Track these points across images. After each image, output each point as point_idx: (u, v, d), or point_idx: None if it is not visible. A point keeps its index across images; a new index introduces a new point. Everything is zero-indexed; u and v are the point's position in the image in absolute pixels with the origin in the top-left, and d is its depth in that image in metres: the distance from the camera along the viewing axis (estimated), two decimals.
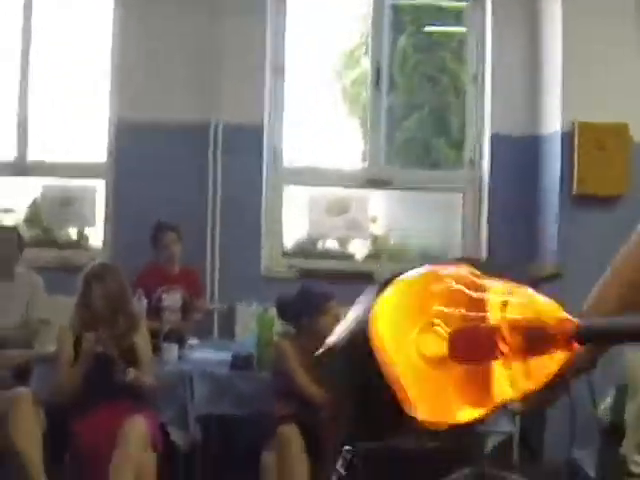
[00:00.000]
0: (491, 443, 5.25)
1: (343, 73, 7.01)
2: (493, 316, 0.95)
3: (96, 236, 6.60)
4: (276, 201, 6.44)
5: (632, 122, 5.75)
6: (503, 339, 0.94)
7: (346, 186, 6.58)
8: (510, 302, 0.96)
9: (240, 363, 5.23)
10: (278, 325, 5.33)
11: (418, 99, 6.84)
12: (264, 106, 6.26)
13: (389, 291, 0.99)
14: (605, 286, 1.57)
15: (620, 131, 5.73)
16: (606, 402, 5.30)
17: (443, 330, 0.95)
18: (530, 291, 0.98)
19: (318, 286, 5.13)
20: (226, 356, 5.31)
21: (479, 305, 0.96)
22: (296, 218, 6.62)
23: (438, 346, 0.96)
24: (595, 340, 0.98)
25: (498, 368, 0.95)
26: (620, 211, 5.88)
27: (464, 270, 1.00)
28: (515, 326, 0.94)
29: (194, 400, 5.07)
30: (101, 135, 6.47)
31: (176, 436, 5.01)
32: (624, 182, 5.81)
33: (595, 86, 5.73)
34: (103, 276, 4.96)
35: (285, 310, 5.08)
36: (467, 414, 0.98)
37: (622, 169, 5.78)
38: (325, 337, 4.56)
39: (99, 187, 6.53)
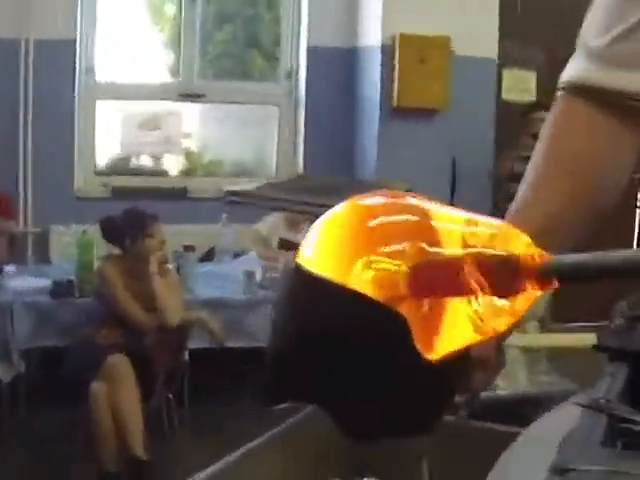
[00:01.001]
0: None
1: None
2: (453, 249, 0.85)
3: None
4: (89, 118, 6.16)
5: (454, 35, 5.86)
6: (471, 274, 0.84)
7: (160, 99, 6.40)
8: (472, 232, 0.87)
9: (60, 290, 5.03)
10: (98, 248, 5.15)
11: (230, 10, 6.67)
12: (76, 21, 5.94)
13: (318, 234, 0.89)
14: (537, 185, 1.25)
15: (442, 44, 5.82)
16: None
17: (394, 265, 0.84)
18: (491, 220, 0.89)
19: (143, 207, 4.99)
20: (45, 283, 5.09)
21: (431, 237, 0.85)
22: (109, 135, 6.37)
23: (383, 285, 0.84)
24: (573, 277, 0.87)
25: (461, 307, 0.85)
26: (439, 124, 6.04)
27: (398, 197, 0.90)
28: (483, 260, 0.85)
29: (15, 334, 4.86)
30: None
31: None
32: (444, 96, 5.93)
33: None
34: None
35: (109, 231, 4.91)
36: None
37: (443, 83, 5.89)
38: (149, 259, 4.38)
39: None
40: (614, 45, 1.14)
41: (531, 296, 0.86)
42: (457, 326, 0.86)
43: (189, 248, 5.53)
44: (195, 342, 5.11)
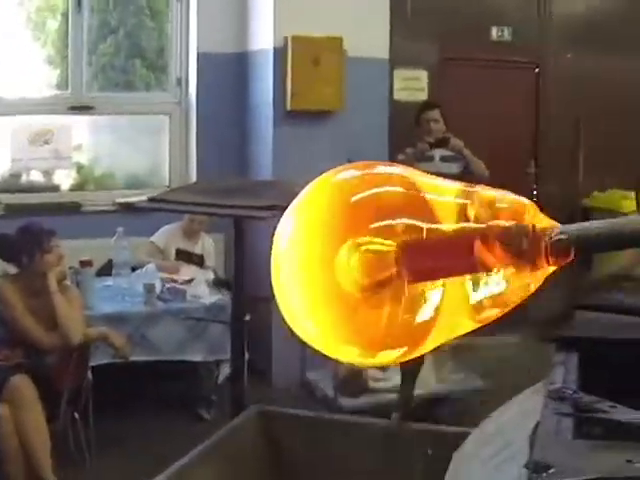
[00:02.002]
0: (225, 371, 5.36)
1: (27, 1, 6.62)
2: (456, 223, 0.80)
3: None
4: None
5: (346, 36, 5.93)
6: (484, 249, 0.78)
7: (49, 113, 6.32)
8: (473, 204, 0.81)
9: None
10: None
11: (113, 21, 6.62)
12: None
13: (293, 221, 0.80)
14: None
15: (334, 45, 5.89)
16: None
17: (386, 246, 0.76)
18: (491, 191, 0.84)
19: (39, 223, 4.91)
20: None
21: (425, 211, 0.79)
22: None
23: (373, 268, 0.77)
24: (590, 249, 0.83)
25: (465, 286, 0.79)
26: (334, 126, 6.10)
27: (376, 167, 0.82)
28: (495, 234, 0.79)
29: None
30: None
31: None
32: (338, 97, 5.99)
33: (307, 1, 5.85)
34: None
35: (4, 250, 4.83)
36: (406, 352, 0.81)
37: (337, 84, 5.95)
38: (48, 276, 4.26)
39: None
40: None
41: (547, 270, 0.81)
42: (457, 312, 0.80)
43: (86, 263, 5.46)
44: (97, 358, 5.06)
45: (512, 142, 7.44)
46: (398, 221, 0.77)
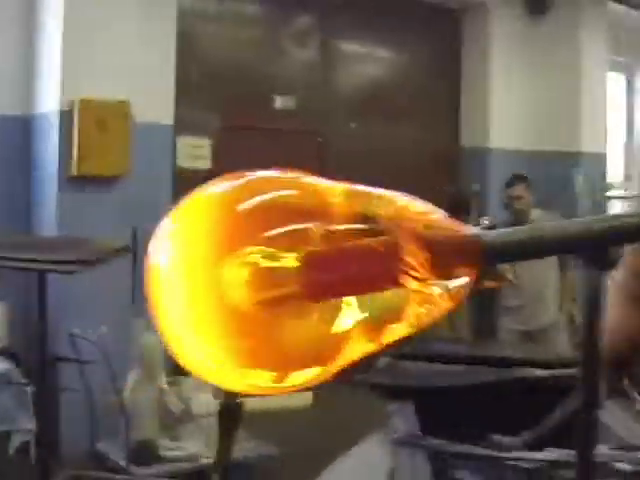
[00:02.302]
0: (15, 442, 5.12)
1: None
2: (370, 228, 0.72)
3: None
4: None
5: (133, 101, 5.87)
6: (409, 258, 0.69)
7: None
8: (387, 209, 0.74)
9: None
10: None
11: None
12: None
13: (173, 233, 0.75)
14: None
15: (122, 110, 5.81)
16: (129, 385, 5.42)
17: (284, 258, 0.68)
18: (404, 197, 0.78)
19: None
20: None
21: (330, 216, 0.71)
22: None
23: (269, 283, 0.69)
24: (507, 257, 0.79)
25: (392, 298, 0.71)
26: (120, 192, 6.00)
27: (270, 174, 0.75)
28: (417, 241, 0.71)
29: None
30: None
31: None
32: (125, 162, 5.90)
33: (97, 63, 5.76)
34: None
35: None
36: (310, 373, 0.72)
37: (123, 149, 5.87)
38: None
39: None
40: None
41: (470, 278, 0.74)
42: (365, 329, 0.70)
43: None
44: None
45: None
46: (295, 227, 0.69)
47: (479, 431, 1.60)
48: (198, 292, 0.70)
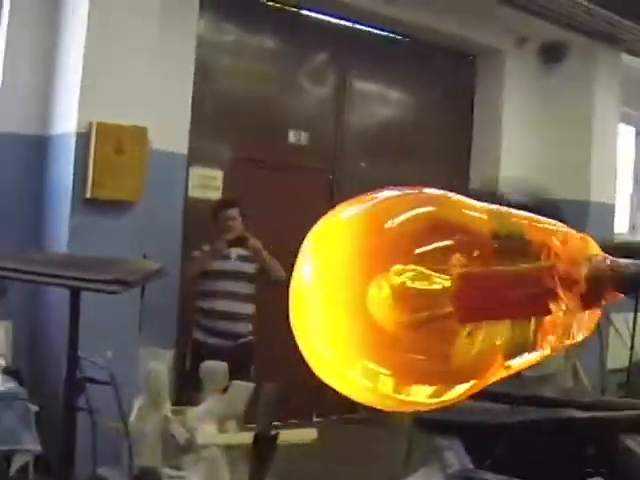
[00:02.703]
0: (17, 463, 5.08)
1: None
2: (524, 253, 0.71)
3: None
4: None
5: (150, 127, 5.90)
6: (562, 287, 0.68)
7: None
8: (543, 234, 0.73)
9: None
10: None
11: None
12: None
13: (316, 252, 0.70)
14: None
15: (139, 135, 5.83)
16: (134, 412, 5.40)
17: (436, 278, 0.66)
18: (546, 219, 0.76)
19: None
20: None
21: (472, 234, 0.70)
22: None
23: (419, 304, 0.67)
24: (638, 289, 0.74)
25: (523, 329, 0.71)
26: (132, 218, 6.01)
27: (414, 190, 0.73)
28: (567, 271, 0.69)
29: None
30: None
31: None
32: (139, 188, 5.91)
33: (115, 88, 5.80)
34: None
35: None
36: (461, 389, 0.70)
37: (139, 175, 5.88)
38: None
39: None
40: None
41: (601, 310, 0.74)
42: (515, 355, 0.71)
43: None
44: None
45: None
46: (444, 244, 0.66)
47: (525, 469, 1.61)
48: (349, 310, 0.67)
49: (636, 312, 7.78)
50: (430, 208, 0.70)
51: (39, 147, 6.03)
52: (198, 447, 5.46)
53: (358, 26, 8.30)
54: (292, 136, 7.87)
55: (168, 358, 5.60)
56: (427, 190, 0.73)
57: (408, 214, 0.69)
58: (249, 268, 6.45)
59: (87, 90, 5.77)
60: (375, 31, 8.45)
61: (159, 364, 5.53)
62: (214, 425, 5.39)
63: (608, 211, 9.34)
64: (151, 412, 5.47)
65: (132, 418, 5.35)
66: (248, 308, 6.47)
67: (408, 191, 0.72)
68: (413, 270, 0.65)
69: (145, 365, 5.44)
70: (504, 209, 0.76)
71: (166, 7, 6.11)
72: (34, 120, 6.02)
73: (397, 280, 0.65)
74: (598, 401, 2.10)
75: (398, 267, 0.65)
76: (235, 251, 6.42)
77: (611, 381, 9.55)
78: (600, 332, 9.23)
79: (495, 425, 1.75)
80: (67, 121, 5.87)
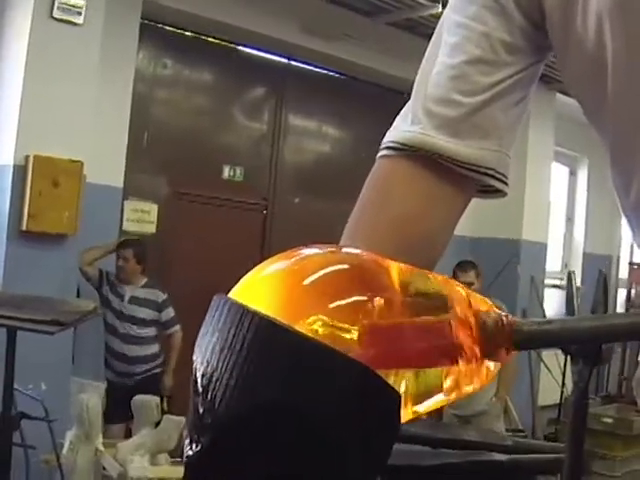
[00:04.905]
0: None
1: None
2: (428, 306, 0.77)
3: None
4: None
5: (85, 161, 6.12)
6: (464, 338, 0.77)
7: None
8: (444, 289, 0.79)
9: None
10: None
11: None
12: None
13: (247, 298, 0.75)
14: (366, 231, 1.24)
15: (74, 169, 6.05)
16: (66, 445, 5.56)
17: (344, 329, 0.72)
18: (450, 279, 0.82)
19: None
20: None
21: (384, 291, 0.75)
22: None
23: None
24: (537, 345, 0.83)
25: (431, 376, 0.77)
26: (66, 250, 6.20)
27: (333, 248, 0.80)
28: (469, 321, 0.78)
29: None
30: None
31: None
32: (75, 222, 6.11)
33: (52, 121, 6.00)
34: None
35: None
36: None
37: (74, 208, 6.08)
38: None
39: None
40: (470, 116, 1.17)
41: (502, 360, 0.81)
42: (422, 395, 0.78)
43: None
44: None
45: (235, 282, 7.81)
46: (355, 299, 0.73)
47: None
48: None
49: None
50: (345, 266, 0.77)
51: None
52: None
53: (294, 62, 8.62)
54: (227, 171, 8.13)
55: (100, 390, 5.76)
56: (345, 249, 0.81)
57: (326, 270, 0.75)
58: (143, 313, 6.62)
59: (25, 123, 5.97)
60: (311, 67, 8.78)
61: (91, 396, 5.69)
62: (146, 458, 5.55)
63: (540, 250, 9.72)
64: (83, 445, 5.63)
65: (64, 451, 5.51)
66: (146, 350, 6.66)
67: (329, 249, 0.79)
68: (326, 321, 0.72)
69: (77, 397, 5.60)
70: (418, 270, 0.81)
71: (105, 40, 6.33)
72: None
73: (311, 328, 0.71)
74: (517, 443, 2.27)
75: (313, 318, 0.71)
76: (130, 292, 6.62)
77: (542, 417, 9.89)
78: (531, 369, 9.58)
79: (415, 467, 1.79)
80: (4, 153, 6.06)
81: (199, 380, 0.72)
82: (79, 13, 6.10)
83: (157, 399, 5.61)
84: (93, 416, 5.62)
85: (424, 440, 2.02)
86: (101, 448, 5.68)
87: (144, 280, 6.64)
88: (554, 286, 10.83)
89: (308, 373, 0.68)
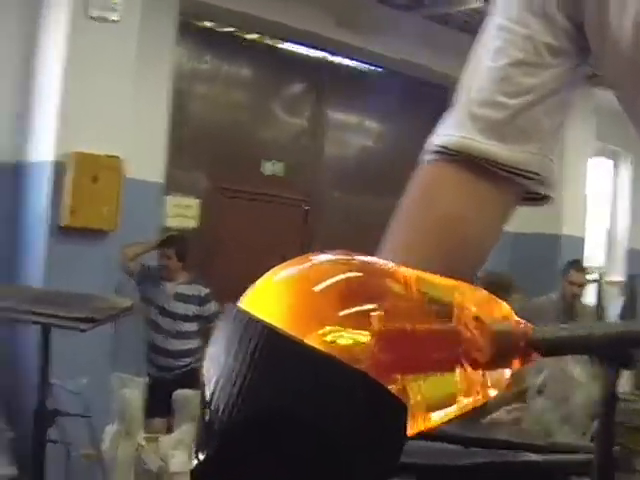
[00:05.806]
0: None
1: None
2: (436, 313, 0.77)
3: None
4: None
5: (125, 157, 6.11)
6: (472, 345, 0.77)
7: None
8: (464, 300, 0.79)
9: None
10: None
11: None
12: None
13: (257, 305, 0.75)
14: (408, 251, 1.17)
15: (114, 165, 6.04)
16: (107, 440, 5.55)
17: (356, 336, 0.72)
18: (470, 285, 0.83)
19: None
20: None
21: (395, 299, 0.76)
22: None
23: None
24: (555, 350, 0.83)
25: (442, 383, 0.77)
26: (107, 246, 6.19)
27: (345, 256, 0.79)
28: (479, 329, 0.78)
29: None
30: None
31: None
32: (114, 217, 6.10)
33: (92, 117, 5.99)
34: None
35: None
36: None
37: (114, 204, 6.07)
38: None
39: None
40: (514, 118, 1.18)
41: (514, 368, 0.81)
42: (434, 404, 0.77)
43: None
44: None
45: None
46: (366, 307, 0.73)
47: None
48: None
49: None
50: (358, 274, 0.76)
51: (14, 174, 6.20)
52: (172, 475, 5.62)
53: (334, 57, 8.56)
54: (267, 166, 8.09)
55: (142, 386, 5.75)
56: (358, 257, 0.79)
57: (337, 278, 0.75)
58: (185, 309, 6.58)
59: (65, 119, 5.97)
60: (351, 62, 8.71)
61: (132, 391, 5.69)
62: (187, 453, 5.54)
63: (579, 244, 9.60)
64: (124, 440, 5.63)
65: (105, 446, 5.51)
66: (188, 344, 6.62)
67: (341, 256, 0.78)
68: (337, 330, 0.71)
69: (118, 392, 5.60)
70: (430, 276, 0.80)
71: (143, 35, 6.33)
72: (9, 148, 6.20)
73: (324, 339, 0.71)
74: (553, 443, 2.22)
75: (326, 328, 0.71)
76: (172, 288, 6.58)
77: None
78: None
79: (448, 467, 1.84)
80: (43, 150, 6.06)
81: (206, 388, 0.74)
82: (114, 10, 6.08)
83: (197, 394, 5.58)
84: (134, 411, 5.63)
85: (456, 439, 1.96)
86: (142, 443, 5.67)
87: (186, 276, 6.62)
88: (594, 281, 10.69)
89: (311, 382, 0.68)
